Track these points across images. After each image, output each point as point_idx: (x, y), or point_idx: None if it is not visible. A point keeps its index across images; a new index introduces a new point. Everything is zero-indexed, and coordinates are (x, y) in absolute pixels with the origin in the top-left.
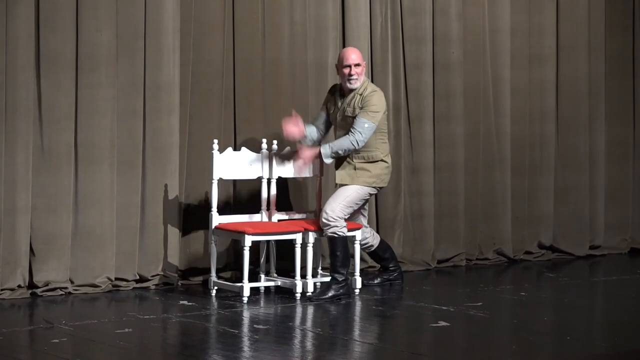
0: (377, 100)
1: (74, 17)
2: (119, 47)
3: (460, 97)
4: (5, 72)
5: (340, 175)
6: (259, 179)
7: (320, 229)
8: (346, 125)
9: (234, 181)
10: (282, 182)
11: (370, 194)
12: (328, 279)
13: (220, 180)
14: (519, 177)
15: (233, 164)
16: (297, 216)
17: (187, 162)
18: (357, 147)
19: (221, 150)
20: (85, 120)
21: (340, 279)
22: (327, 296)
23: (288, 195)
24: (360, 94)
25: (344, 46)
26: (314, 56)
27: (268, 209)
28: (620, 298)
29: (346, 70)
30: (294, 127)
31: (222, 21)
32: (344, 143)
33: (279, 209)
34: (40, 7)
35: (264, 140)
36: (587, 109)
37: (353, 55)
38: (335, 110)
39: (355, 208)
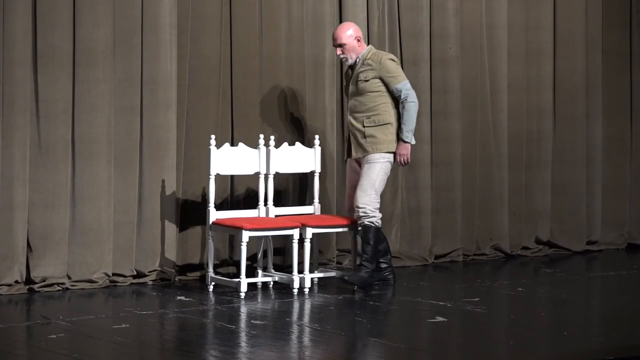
0: (392, 65)
1: (71, 13)
2: (116, 43)
3: (457, 93)
4: (2, 67)
5: (355, 149)
6: (256, 175)
7: (318, 225)
8: (358, 90)
9: (231, 177)
10: (279, 177)
11: (390, 163)
12: (333, 273)
13: (218, 176)
14: (516, 172)
15: (230, 160)
16: (294, 212)
17: (184, 158)
18: (416, 103)
19: (218, 145)
20: (82, 116)
21: (369, 267)
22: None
23: (285, 190)
24: (365, 59)
25: None
26: (311, 52)
27: (265, 204)
28: (617, 293)
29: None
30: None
31: (219, 16)
32: (409, 115)
33: (277, 204)
34: (37, 3)
35: (261, 136)
36: (584, 105)
37: (334, 36)
38: (348, 82)
39: (384, 186)
